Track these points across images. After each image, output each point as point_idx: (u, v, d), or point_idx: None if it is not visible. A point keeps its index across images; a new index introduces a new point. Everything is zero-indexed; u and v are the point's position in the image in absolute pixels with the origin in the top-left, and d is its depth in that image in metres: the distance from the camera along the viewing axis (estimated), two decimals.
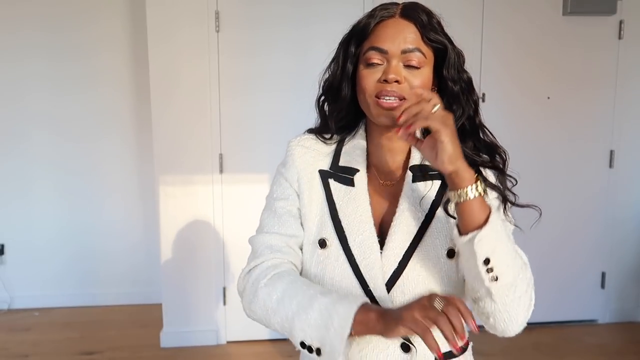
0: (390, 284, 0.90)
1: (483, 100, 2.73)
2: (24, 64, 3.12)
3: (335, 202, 0.96)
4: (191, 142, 2.64)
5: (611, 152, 2.90)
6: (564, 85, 2.81)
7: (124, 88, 3.20)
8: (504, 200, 0.91)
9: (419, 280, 0.90)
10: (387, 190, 0.98)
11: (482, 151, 0.95)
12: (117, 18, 3.14)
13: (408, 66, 0.89)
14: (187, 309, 2.74)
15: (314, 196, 0.98)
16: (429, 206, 0.93)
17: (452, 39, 0.93)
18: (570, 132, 2.85)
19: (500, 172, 0.94)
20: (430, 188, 0.95)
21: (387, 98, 0.88)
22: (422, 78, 0.89)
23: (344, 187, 0.97)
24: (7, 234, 3.24)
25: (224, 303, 2.75)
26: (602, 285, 2.99)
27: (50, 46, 3.11)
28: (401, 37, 0.89)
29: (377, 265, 0.90)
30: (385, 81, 0.88)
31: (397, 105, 0.88)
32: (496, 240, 0.79)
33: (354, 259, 0.91)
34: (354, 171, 0.97)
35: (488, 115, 3.02)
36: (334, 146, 1.02)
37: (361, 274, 0.91)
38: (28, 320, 3.10)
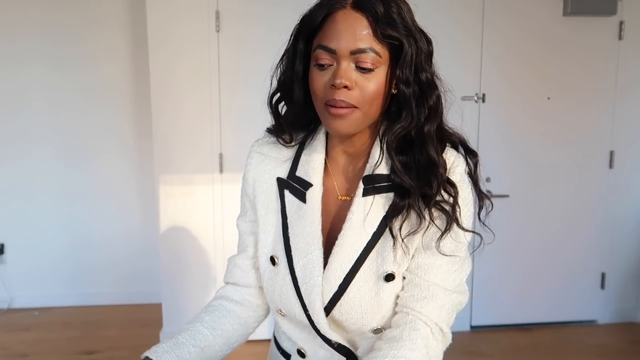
0: (330, 306, 0.86)
1: (483, 101, 2.72)
2: (25, 66, 3.11)
3: (288, 216, 0.89)
4: (191, 142, 2.64)
5: (611, 152, 2.90)
6: (564, 85, 2.81)
7: (125, 90, 3.19)
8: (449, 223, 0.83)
9: (355, 303, 0.85)
10: (344, 204, 0.89)
11: (418, 169, 0.82)
12: (118, 22, 3.13)
13: (360, 68, 0.78)
14: (187, 308, 2.74)
15: (272, 206, 0.92)
16: (378, 222, 0.84)
17: (416, 28, 0.80)
18: (570, 133, 2.85)
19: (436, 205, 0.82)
20: (379, 202, 0.85)
21: (336, 107, 0.79)
22: (376, 81, 0.79)
23: (297, 201, 0.89)
24: (7, 233, 3.24)
25: None
26: (602, 286, 2.99)
27: (50, 50, 3.11)
28: (350, 34, 0.77)
29: (316, 291, 0.85)
30: (334, 86, 0.78)
31: (346, 113, 0.79)
32: None
33: (297, 281, 0.87)
34: (308, 185, 0.88)
35: (488, 115, 3.03)
36: (294, 150, 0.92)
37: (302, 297, 0.87)
38: (28, 320, 3.10)
